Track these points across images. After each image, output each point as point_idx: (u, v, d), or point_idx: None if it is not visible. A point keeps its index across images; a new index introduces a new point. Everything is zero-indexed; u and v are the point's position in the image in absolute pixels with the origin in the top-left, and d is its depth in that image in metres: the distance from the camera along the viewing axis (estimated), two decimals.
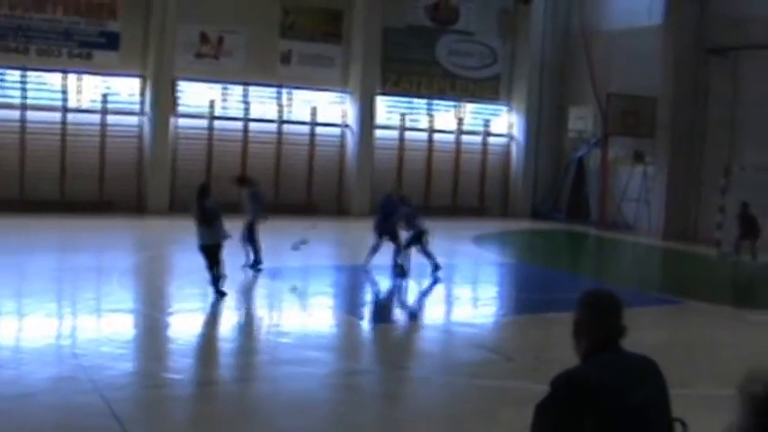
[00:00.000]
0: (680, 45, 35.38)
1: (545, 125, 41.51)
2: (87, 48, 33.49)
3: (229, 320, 17.66)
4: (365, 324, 18.12)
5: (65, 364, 13.18)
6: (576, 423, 4.43)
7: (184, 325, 16.79)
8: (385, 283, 22.13)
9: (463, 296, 21.47)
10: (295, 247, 23.16)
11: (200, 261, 18.47)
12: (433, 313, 20.19)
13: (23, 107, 32.64)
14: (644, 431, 4.58)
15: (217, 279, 18.20)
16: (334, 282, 22.05)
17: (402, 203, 22.85)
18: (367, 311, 19.55)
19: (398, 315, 19.91)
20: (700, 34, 35.18)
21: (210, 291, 18.31)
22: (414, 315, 19.76)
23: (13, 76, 32.78)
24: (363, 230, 25.01)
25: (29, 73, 32.86)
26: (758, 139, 32.86)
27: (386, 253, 22.30)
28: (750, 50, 33.08)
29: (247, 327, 17.21)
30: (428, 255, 22.33)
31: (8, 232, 27.15)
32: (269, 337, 16.31)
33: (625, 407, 4.48)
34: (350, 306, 19.64)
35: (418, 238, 22.05)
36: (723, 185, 31.94)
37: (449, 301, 21.37)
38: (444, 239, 26.13)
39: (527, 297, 19.79)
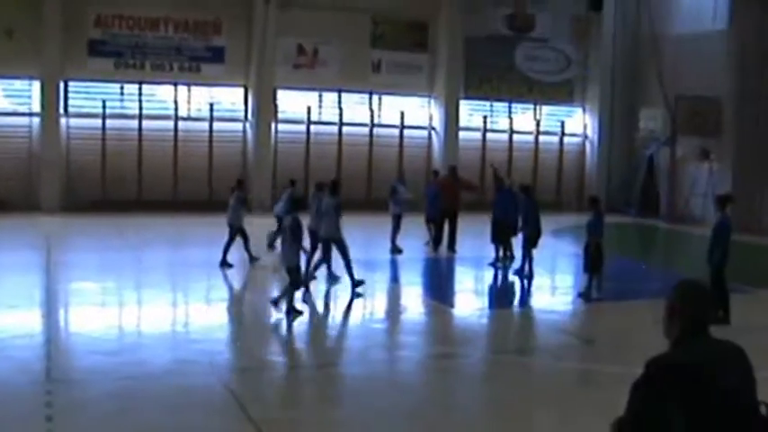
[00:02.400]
0: (743, 48, 34.92)
1: (617, 125, 41.18)
2: (196, 61, 34.04)
3: (328, 308, 17.91)
4: (455, 311, 18.23)
5: (184, 348, 13.53)
6: (670, 404, 4.50)
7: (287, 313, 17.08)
8: (478, 274, 22.23)
9: (545, 285, 21.45)
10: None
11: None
12: (518, 300, 20.25)
13: (140, 117, 33.33)
14: (734, 414, 4.60)
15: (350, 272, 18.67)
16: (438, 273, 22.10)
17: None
18: (457, 299, 19.67)
19: (487, 302, 19.99)
20: (762, 37, 34.70)
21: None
22: (501, 302, 19.86)
23: (132, 89, 33.48)
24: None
25: (144, 86, 33.57)
26: None
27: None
28: None
29: (344, 314, 17.43)
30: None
31: (128, 230, 27.78)
32: (365, 324, 16.51)
33: (717, 391, 4.52)
34: (441, 294, 19.77)
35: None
36: None
37: (532, 289, 21.36)
38: None
39: (604, 286, 19.69)
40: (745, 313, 17.45)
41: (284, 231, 16.81)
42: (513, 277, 21.35)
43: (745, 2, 34.85)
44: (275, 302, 15.91)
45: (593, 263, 18.54)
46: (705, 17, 36.75)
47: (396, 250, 23.93)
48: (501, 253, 22.46)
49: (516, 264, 21.55)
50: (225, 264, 20.87)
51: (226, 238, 21.15)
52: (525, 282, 20.47)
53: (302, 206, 17.41)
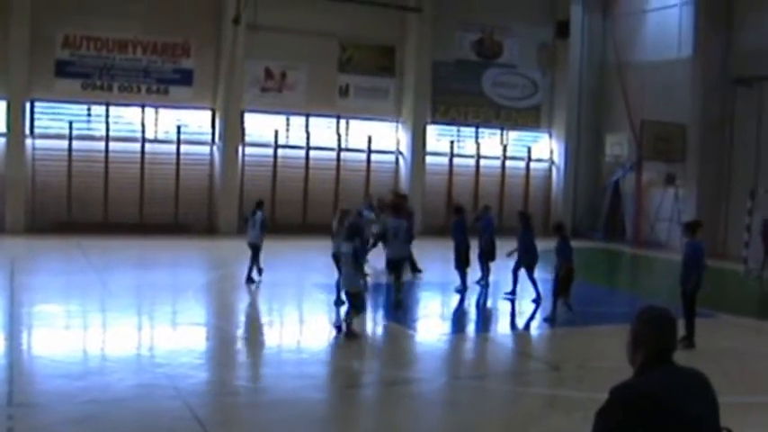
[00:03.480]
0: (708, 76, 35.29)
1: (583, 151, 41.46)
2: (164, 84, 34.00)
3: (292, 332, 17.84)
4: (420, 335, 18.20)
5: (149, 372, 13.43)
6: (633, 431, 4.51)
7: (253, 338, 16.99)
8: (440, 297, 22.22)
9: (510, 309, 21.47)
10: None
11: (264, 279, 18.70)
12: (482, 325, 20.25)
13: (107, 139, 33.19)
14: None
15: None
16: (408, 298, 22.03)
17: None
18: (420, 324, 19.63)
19: (450, 327, 19.95)
20: (726, 65, 35.07)
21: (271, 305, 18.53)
22: (464, 326, 19.83)
23: (99, 110, 33.32)
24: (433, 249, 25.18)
25: (112, 108, 33.43)
26: None
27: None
28: None
29: (309, 339, 17.36)
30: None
31: (93, 252, 27.57)
32: (329, 349, 16.44)
33: (681, 418, 4.52)
34: (404, 318, 19.74)
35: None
36: (749, 207, 31.77)
37: (497, 313, 21.41)
38: None
39: (569, 310, 19.73)
40: (709, 338, 17.54)
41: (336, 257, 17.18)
42: (502, 302, 21.41)
43: (710, 30, 35.23)
44: (339, 327, 15.85)
45: (561, 287, 18.66)
46: (670, 45, 37.18)
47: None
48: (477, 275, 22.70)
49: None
50: (250, 280, 21.75)
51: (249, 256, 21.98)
52: (536, 306, 20.66)
53: (359, 234, 17.16)
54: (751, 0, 34.56)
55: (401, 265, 20.60)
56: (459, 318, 20.62)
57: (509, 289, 21.62)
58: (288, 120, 36.28)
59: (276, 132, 35.82)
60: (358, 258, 16.29)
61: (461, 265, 22.30)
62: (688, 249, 17.06)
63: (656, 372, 4.72)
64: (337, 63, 36.95)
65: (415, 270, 24.66)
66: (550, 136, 41.53)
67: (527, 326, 19.13)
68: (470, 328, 19.68)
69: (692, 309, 16.57)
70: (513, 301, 21.20)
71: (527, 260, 21.17)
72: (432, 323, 19.78)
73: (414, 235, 23.20)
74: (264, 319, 18.92)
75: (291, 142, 36.33)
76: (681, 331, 16.16)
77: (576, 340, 16.64)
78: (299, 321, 18.74)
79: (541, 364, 15.81)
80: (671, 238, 36.79)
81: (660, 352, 4.77)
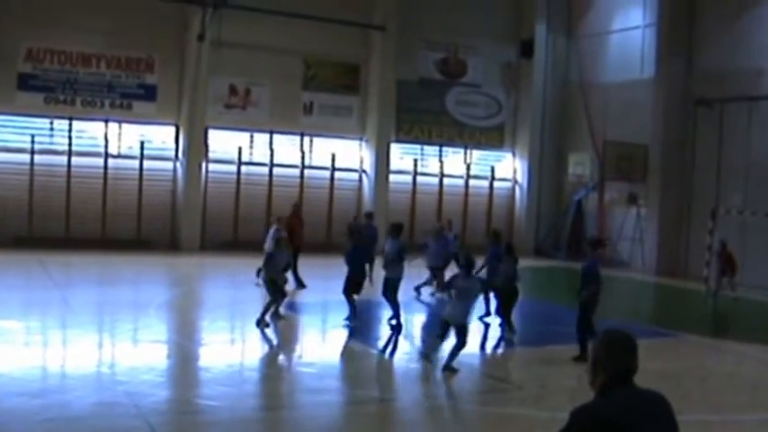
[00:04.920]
0: (669, 97, 35.60)
1: (546, 170, 41.64)
2: (127, 99, 33.84)
3: (255, 350, 17.78)
4: (381, 354, 18.19)
5: (110, 390, 13.33)
6: None
7: (216, 355, 16.93)
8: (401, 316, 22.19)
9: (471, 328, 21.48)
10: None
11: (226, 296, 18.66)
12: (444, 344, 20.26)
13: (69, 153, 32.99)
14: None
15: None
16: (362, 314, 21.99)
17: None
18: (382, 342, 19.61)
19: (411, 345, 19.92)
20: (687, 87, 35.40)
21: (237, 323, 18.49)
22: (426, 346, 19.82)
23: (61, 125, 33.11)
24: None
25: (75, 122, 33.23)
26: (741, 184, 33.06)
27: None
28: (733, 102, 33.31)
29: (273, 356, 17.31)
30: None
31: (54, 267, 27.36)
32: (293, 367, 16.40)
33: None
34: (366, 337, 19.72)
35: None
36: (710, 226, 32.06)
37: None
38: None
39: (531, 330, 19.84)
40: (670, 358, 17.66)
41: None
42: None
43: (671, 52, 35.56)
44: (447, 367, 15.52)
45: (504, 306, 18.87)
46: (633, 66, 37.54)
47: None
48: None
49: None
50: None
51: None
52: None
53: (472, 265, 16.83)
54: (712, 23, 34.94)
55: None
56: (419, 336, 20.62)
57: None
58: (252, 137, 36.22)
59: (240, 149, 35.75)
60: (468, 292, 16.05)
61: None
62: (586, 266, 17.18)
63: (615, 394, 4.76)
64: (301, 81, 36.92)
65: (300, 285, 24.59)
66: (514, 155, 41.69)
67: (485, 345, 19.11)
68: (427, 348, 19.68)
69: (585, 325, 16.57)
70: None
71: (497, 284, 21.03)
72: (396, 342, 19.76)
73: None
74: (227, 336, 18.84)
75: (255, 159, 36.28)
76: (642, 353, 16.27)
77: (538, 360, 16.68)
78: (263, 340, 18.67)
79: (503, 384, 15.84)
80: (633, 258, 37.08)
81: (620, 374, 4.81)
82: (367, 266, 20.32)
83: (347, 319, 19.73)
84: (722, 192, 33.76)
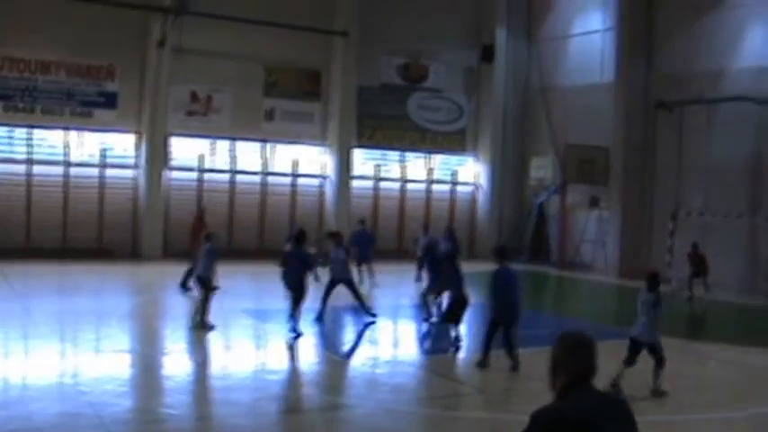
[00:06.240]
0: (630, 100, 35.84)
1: (508, 174, 41.77)
2: (87, 107, 33.60)
3: (219, 358, 17.69)
4: (347, 361, 18.16)
5: (73, 401, 13.20)
6: None
7: (178, 364, 16.83)
8: (361, 323, 22.16)
9: (435, 332, 21.50)
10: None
11: (188, 304, 18.63)
12: (406, 349, 20.27)
13: (29, 162, 32.72)
14: None
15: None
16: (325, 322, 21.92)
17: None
18: (346, 349, 19.58)
19: (374, 352, 19.88)
20: (647, 90, 35.66)
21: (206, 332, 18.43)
22: (388, 351, 19.79)
23: (21, 133, 32.83)
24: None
25: (34, 130, 32.97)
26: (701, 186, 33.31)
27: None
28: (692, 104, 33.57)
29: (236, 365, 17.22)
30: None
31: (14, 277, 27.10)
32: (257, 375, 16.32)
33: None
34: (330, 344, 19.69)
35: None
36: (671, 228, 32.34)
37: (422, 336, 21.45)
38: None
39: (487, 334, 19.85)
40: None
41: None
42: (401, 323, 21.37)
43: (631, 56, 35.82)
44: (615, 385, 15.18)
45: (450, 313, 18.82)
46: (593, 70, 37.75)
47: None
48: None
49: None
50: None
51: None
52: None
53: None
54: (671, 26, 35.21)
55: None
56: (383, 342, 20.61)
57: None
58: (213, 144, 36.08)
59: (201, 156, 35.60)
60: None
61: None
62: (500, 275, 17.01)
63: (574, 395, 4.79)
64: (263, 87, 36.83)
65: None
66: (476, 159, 41.78)
67: (450, 349, 19.06)
68: (396, 353, 19.65)
69: (490, 332, 16.69)
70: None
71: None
72: (358, 348, 19.74)
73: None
74: (190, 345, 18.73)
75: (217, 166, 36.14)
76: (606, 354, 16.32)
77: (502, 363, 16.68)
78: (226, 347, 18.59)
79: (467, 388, 15.84)
80: (596, 260, 37.26)
81: (579, 376, 4.83)
82: (310, 277, 20.11)
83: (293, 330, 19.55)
84: (683, 194, 34.02)
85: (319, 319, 20.86)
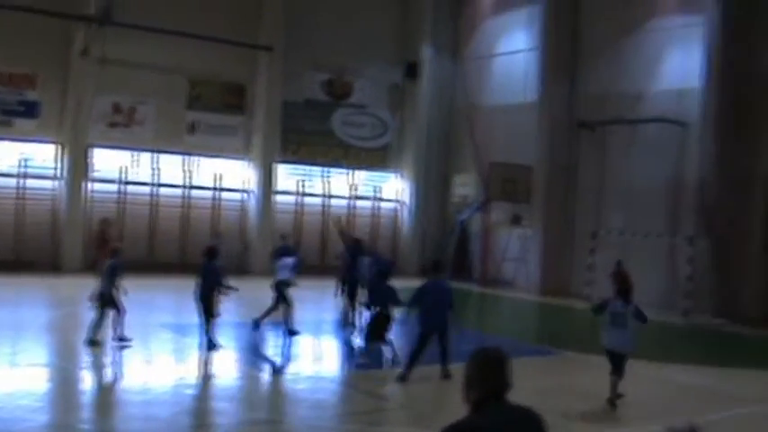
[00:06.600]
0: (553, 120, 36.19)
1: (432, 191, 41.91)
2: (7, 116, 33.08)
3: (137, 373, 17.42)
4: (265, 376, 18.03)
5: None
6: None
7: (96, 378, 16.56)
8: (282, 339, 22.00)
9: (358, 347, 21.43)
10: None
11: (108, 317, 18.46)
12: (329, 364, 20.17)
13: None
14: None
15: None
16: (241, 336, 21.78)
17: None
18: (267, 364, 19.43)
19: (296, 367, 19.73)
20: (571, 110, 36.03)
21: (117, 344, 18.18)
22: (310, 366, 19.67)
23: None
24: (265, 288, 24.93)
25: None
26: (622, 205, 33.74)
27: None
28: (614, 124, 33.99)
29: (155, 379, 16.98)
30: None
31: None
32: (176, 390, 16.10)
33: None
34: (251, 359, 19.53)
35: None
36: (591, 246, 32.69)
37: (344, 352, 21.37)
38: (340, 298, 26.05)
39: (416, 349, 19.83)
40: (551, 375, 17.82)
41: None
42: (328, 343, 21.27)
43: (554, 76, 36.20)
44: None
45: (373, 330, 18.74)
46: (517, 89, 38.03)
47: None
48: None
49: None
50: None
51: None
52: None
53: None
54: (594, 48, 35.68)
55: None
56: (305, 357, 20.50)
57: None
58: (136, 156, 35.66)
59: (124, 168, 35.18)
60: None
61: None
62: (433, 287, 17.24)
63: (488, 410, 4.82)
64: (186, 100, 36.56)
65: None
66: (399, 176, 41.87)
67: (372, 365, 19.00)
68: (318, 368, 19.52)
69: (421, 345, 16.79)
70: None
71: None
72: (279, 363, 19.61)
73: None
74: (109, 359, 18.42)
75: (139, 179, 35.73)
76: (524, 370, 16.42)
77: (424, 379, 16.66)
78: (145, 362, 18.33)
79: (390, 404, 15.78)
80: (517, 277, 37.49)
81: (492, 391, 4.86)
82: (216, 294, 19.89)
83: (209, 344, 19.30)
84: (604, 212, 34.42)
85: (256, 326, 21.39)
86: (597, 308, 15.94)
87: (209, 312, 19.03)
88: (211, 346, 18.86)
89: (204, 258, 19.95)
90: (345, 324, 23.70)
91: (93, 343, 18.75)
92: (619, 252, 31.44)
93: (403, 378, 16.43)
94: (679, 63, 32.59)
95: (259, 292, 24.16)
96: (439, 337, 16.78)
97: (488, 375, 4.94)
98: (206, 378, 17.24)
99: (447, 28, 42.16)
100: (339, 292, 24.91)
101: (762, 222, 30.00)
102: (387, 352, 18.78)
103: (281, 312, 21.75)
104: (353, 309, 23.78)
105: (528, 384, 13.80)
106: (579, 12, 36.63)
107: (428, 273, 17.46)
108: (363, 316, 21.81)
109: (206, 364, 18.28)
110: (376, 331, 18.66)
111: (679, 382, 16.93)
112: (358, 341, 21.15)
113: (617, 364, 15.18)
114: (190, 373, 17.95)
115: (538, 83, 36.99)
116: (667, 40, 33.12)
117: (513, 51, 39.12)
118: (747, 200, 30.18)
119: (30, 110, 33.58)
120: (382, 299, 18.87)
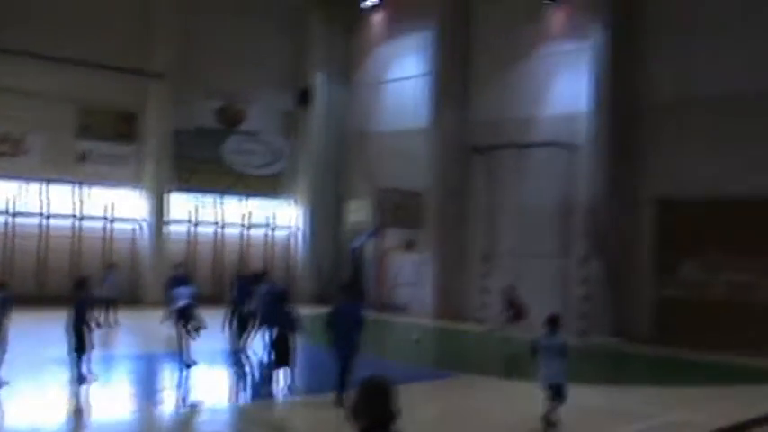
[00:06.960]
0: (444, 144, 36.52)
1: (325, 217, 41.92)
2: None
3: (28, 409, 17.03)
4: (163, 409, 17.76)
5: None
6: None
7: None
8: (179, 371, 21.74)
9: (250, 377, 21.27)
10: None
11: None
12: (224, 395, 19.96)
13: None
14: None
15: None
16: (134, 369, 21.46)
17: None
18: (161, 397, 19.14)
19: (191, 399, 19.48)
20: (462, 135, 36.36)
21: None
22: (205, 398, 19.43)
23: None
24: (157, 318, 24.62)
25: None
26: (514, 228, 34.12)
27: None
28: (504, 149, 34.38)
29: (49, 415, 16.61)
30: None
31: None
32: (68, 426, 15.77)
33: None
34: (145, 391, 19.23)
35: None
36: (484, 270, 33.00)
37: (236, 382, 21.18)
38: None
39: (307, 377, 19.78)
40: (452, 397, 17.89)
41: None
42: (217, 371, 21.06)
43: (445, 101, 36.58)
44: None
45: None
46: (409, 115, 38.32)
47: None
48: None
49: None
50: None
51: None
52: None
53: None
54: (485, 73, 36.14)
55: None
56: (202, 388, 20.26)
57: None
58: (23, 186, 34.91)
59: (11, 199, 34.42)
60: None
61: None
62: (344, 310, 17.36)
63: None
64: (76, 128, 35.96)
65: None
66: (293, 203, 41.81)
67: (269, 394, 18.85)
68: (214, 400, 19.30)
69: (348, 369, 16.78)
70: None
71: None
72: (173, 395, 19.36)
73: None
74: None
75: (28, 209, 34.99)
76: (417, 394, 16.46)
77: (323, 407, 16.60)
78: (34, 397, 17.89)
79: None
80: (412, 302, 37.63)
81: (378, 421, 4.89)
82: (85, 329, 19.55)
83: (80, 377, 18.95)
84: (497, 236, 34.75)
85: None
86: (532, 351, 15.91)
87: (80, 345, 18.65)
88: (82, 379, 18.50)
89: (75, 290, 19.60)
90: (237, 353, 23.55)
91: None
92: (512, 275, 31.79)
93: (339, 402, 16.20)
94: (568, 88, 33.18)
95: (151, 323, 23.85)
96: (346, 359, 16.71)
97: (373, 405, 5.00)
98: (96, 410, 16.89)
99: (339, 54, 42.33)
100: (228, 324, 24.71)
101: (651, 242, 30.62)
102: (285, 379, 18.62)
103: (176, 344, 21.45)
104: (246, 337, 23.76)
105: (424, 407, 13.87)
106: (470, 37, 37.08)
107: (340, 296, 17.41)
108: (260, 343, 21.64)
109: (95, 396, 17.94)
110: (280, 356, 18.46)
111: (579, 404, 17.12)
112: (253, 370, 20.99)
113: (558, 392, 15.21)
114: (83, 406, 17.59)
115: (429, 108, 37.32)
116: (556, 66, 33.72)
117: (404, 77, 39.42)
118: (637, 220, 30.82)
119: None
120: (281, 322, 18.67)
